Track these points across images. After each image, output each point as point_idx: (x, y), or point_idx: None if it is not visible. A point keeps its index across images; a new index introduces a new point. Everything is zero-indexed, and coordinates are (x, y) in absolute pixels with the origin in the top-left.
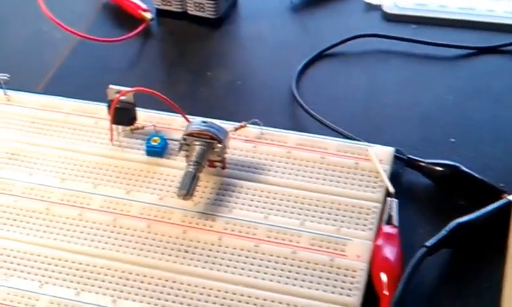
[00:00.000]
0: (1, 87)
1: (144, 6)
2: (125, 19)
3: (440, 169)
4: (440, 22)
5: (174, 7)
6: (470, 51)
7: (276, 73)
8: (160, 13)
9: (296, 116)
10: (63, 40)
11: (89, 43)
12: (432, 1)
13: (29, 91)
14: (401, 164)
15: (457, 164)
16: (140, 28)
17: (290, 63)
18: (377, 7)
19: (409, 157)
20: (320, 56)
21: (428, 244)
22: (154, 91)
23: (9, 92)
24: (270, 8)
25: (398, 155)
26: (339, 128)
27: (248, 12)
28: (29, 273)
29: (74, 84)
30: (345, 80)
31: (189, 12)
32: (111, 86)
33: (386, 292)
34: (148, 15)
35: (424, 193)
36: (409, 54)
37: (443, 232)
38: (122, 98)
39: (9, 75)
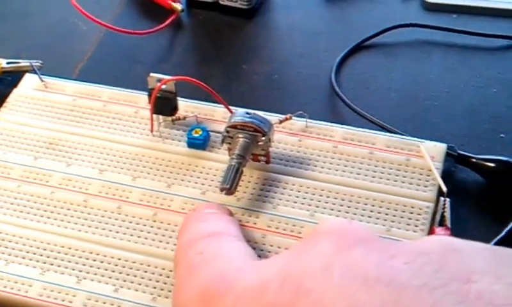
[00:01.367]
0: (36, 74)
1: None
2: (153, 10)
3: (492, 165)
4: (482, 11)
5: None
6: None
7: (314, 66)
8: (190, 4)
9: (336, 110)
10: (90, 31)
11: (116, 35)
12: None
13: (65, 78)
14: (452, 161)
15: (511, 160)
16: (170, 19)
17: (328, 55)
18: None
19: (460, 153)
20: (358, 47)
21: None
22: (197, 81)
23: (46, 78)
24: None
25: (449, 151)
26: (382, 122)
27: (281, 1)
28: (66, 268)
29: (102, 78)
30: (385, 72)
31: (221, 2)
32: (152, 74)
33: None
34: (178, 6)
35: (476, 191)
36: (450, 45)
37: (502, 234)
38: (163, 87)
39: (42, 61)
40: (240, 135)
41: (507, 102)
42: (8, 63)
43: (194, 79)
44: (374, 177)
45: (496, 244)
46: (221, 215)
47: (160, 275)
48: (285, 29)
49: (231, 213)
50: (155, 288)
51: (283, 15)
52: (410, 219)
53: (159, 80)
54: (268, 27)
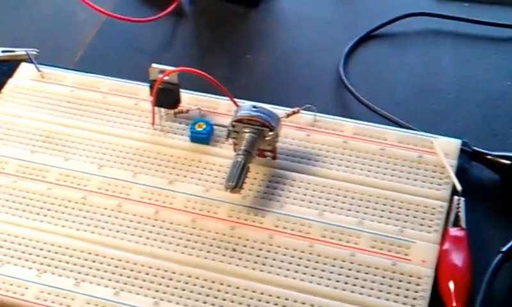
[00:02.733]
0: (33, 63)
1: None
2: None
3: (508, 162)
4: (495, 0)
5: None
6: None
7: (321, 56)
8: None
9: (345, 104)
10: (89, 19)
11: (116, 23)
12: None
13: (62, 68)
14: (466, 158)
15: None
16: (172, 6)
17: (335, 44)
18: None
19: (474, 149)
20: (368, 37)
21: (504, 249)
22: (201, 72)
23: (43, 68)
24: None
25: (463, 147)
26: (393, 117)
27: None
28: (64, 269)
29: (102, 68)
30: (395, 63)
31: None
32: (153, 65)
33: (454, 304)
34: None
35: (491, 189)
36: (462, 34)
37: None
38: (165, 78)
39: (38, 50)
40: (246, 130)
41: None
42: (3, 52)
43: (198, 70)
44: (385, 174)
45: None
46: None
47: (163, 277)
48: (291, 17)
49: None
50: (157, 291)
51: (289, 2)
52: (423, 219)
53: (161, 71)
54: (274, 15)
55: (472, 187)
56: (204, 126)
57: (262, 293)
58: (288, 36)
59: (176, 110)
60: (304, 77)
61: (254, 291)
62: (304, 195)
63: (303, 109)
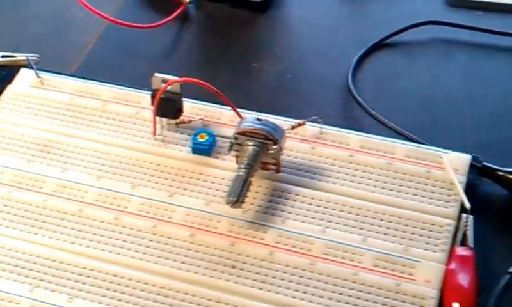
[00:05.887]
0: (32, 68)
1: None
2: (158, 1)
3: None
4: (509, 8)
5: None
6: None
7: (330, 65)
8: None
9: (353, 115)
10: (90, 24)
11: (119, 28)
12: None
13: (62, 74)
14: (476, 173)
15: None
16: (177, 12)
17: (344, 53)
18: None
19: (484, 165)
20: (377, 46)
21: None
22: (205, 83)
23: (42, 74)
24: None
25: (473, 162)
26: (402, 129)
27: None
28: (57, 284)
29: (102, 74)
30: (406, 74)
31: None
32: (156, 74)
33: None
34: None
35: (501, 206)
36: (475, 44)
37: None
38: (167, 87)
39: (38, 55)
40: (249, 143)
41: None
42: (3, 57)
43: (203, 82)
44: (391, 190)
45: None
46: None
47: (158, 294)
48: (300, 25)
49: None
50: None
51: (298, 10)
52: (429, 237)
53: (164, 81)
54: (282, 22)
55: (482, 203)
56: (206, 137)
57: None
58: (295, 44)
59: (178, 120)
60: (311, 87)
61: None
62: (308, 210)
63: (309, 121)
